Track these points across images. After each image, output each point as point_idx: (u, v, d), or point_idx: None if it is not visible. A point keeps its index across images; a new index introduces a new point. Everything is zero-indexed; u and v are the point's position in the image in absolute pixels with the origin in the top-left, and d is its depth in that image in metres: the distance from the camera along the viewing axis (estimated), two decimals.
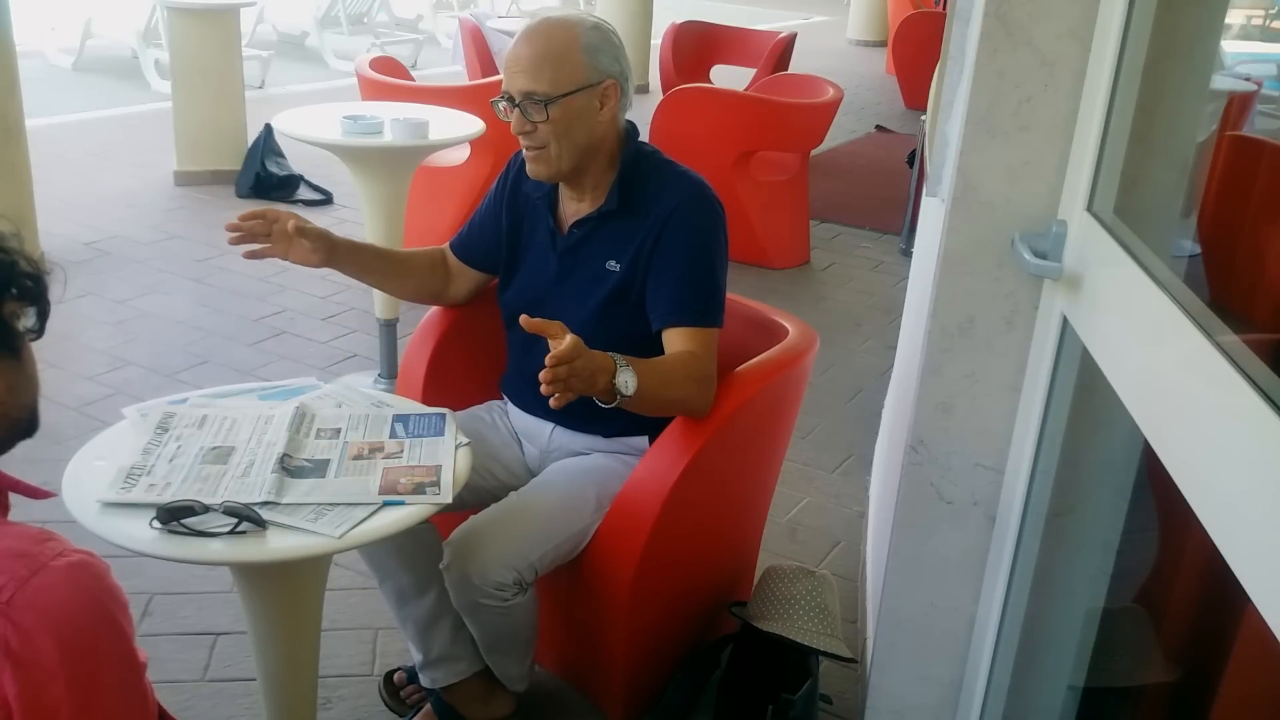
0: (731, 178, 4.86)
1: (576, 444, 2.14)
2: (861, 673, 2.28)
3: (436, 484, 1.69)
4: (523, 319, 1.69)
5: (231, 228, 1.96)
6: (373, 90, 4.56)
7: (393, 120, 3.37)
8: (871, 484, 3.13)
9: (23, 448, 1.18)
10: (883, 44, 11.90)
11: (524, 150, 1.98)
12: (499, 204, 2.16)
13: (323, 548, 1.56)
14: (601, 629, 2.16)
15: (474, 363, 2.33)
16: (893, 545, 1.88)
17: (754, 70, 6.97)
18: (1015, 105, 1.58)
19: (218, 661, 2.39)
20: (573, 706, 2.30)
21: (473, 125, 3.64)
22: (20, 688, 0.99)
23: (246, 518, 1.54)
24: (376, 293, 3.53)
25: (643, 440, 2.10)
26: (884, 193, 6.41)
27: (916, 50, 8.51)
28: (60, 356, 3.71)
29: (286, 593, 1.79)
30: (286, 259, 2.00)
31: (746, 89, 5.98)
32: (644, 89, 8.56)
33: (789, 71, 6.63)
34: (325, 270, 2.07)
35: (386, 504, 1.63)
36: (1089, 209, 1.49)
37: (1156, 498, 1.58)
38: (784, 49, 6.93)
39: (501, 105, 1.94)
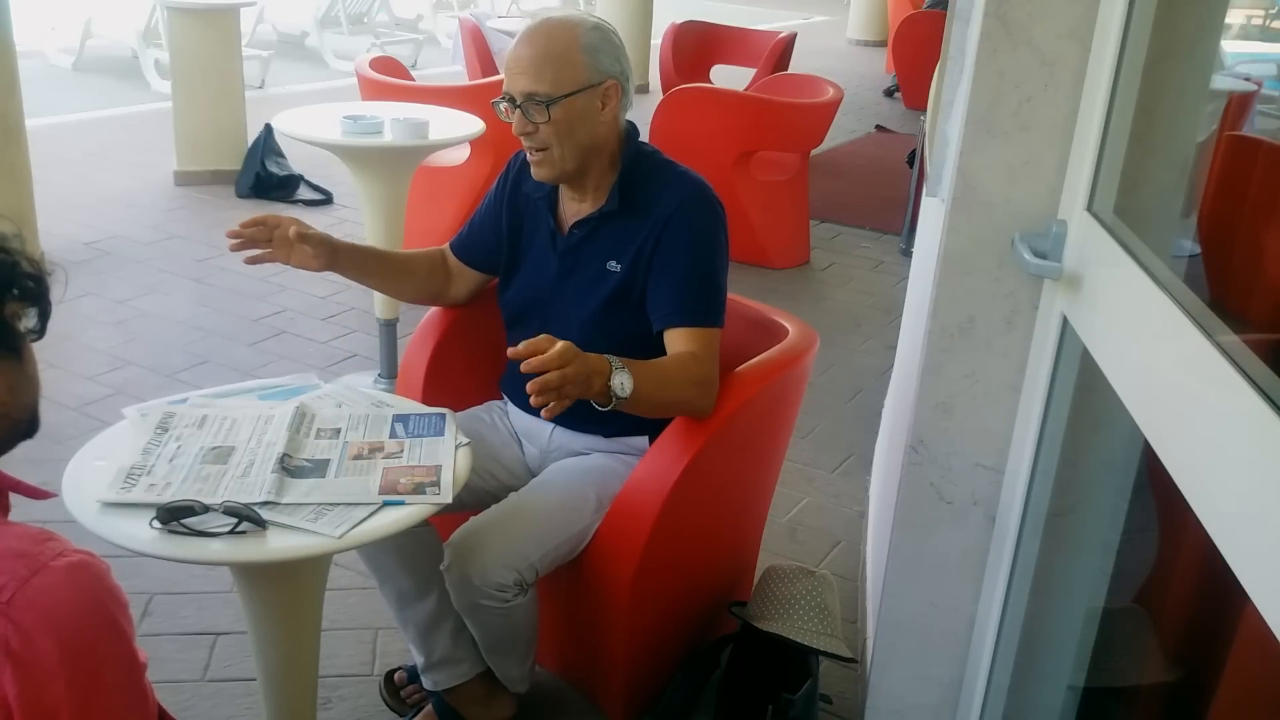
0: (731, 178, 4.86)
1: (576, 444, 2.14)
2: (861, 673, 2.28)
3: (436, 484, 1.69)
4: (510, 351, 1.68)
5: (232, 234, 1.96)
6: (373, 90, 4.55)
7: (393, 120, 3.37)
8: (871, 484, 3.13)
9: (23, 448, 1.18)
10: (883, 44, 11.90)
11: (527, 154, 1.97)
12: (499, 204, 2.16)
13: (323, 548, 1.56)
14: (601, 629, 2.16)
15: (474, 363, 2.33)
16: (893, 545, 1.88)
17: (754, 70, 6.97)
18: (1015, 105, 1.58)
19: (218, 661, 2.39)
20: (573, 706, 2.30)
21: (473, 125, 3.64)
22: (20, 688, 0.99)
23: (246, 518, 1.54)
24: (376, 293, 3.53)
25: (643, 440, 2.10)
26: (884, 193, 6.41)
27: (916, 50, 8.51)
28: (60, 356, 3.71)
29: (286, 593, 1.79)
30: (288, 264, 1.99)
31: (746, 89, 5.98)
32: (644, 89, 8.56)
33: (789, 71, 6.63)
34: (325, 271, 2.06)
35: (386, 504, 1.63)
36: (1089, 209, 1.49)
37: (1156, 498, 1.58)
38: (784, 49, 6.93)
39: (503, 106, 1.94)
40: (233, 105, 5.85)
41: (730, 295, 2.05)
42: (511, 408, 2.23)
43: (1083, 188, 1.50)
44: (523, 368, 1.62)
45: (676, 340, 1.95)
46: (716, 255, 2.00)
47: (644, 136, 2.09)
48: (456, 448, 1.79)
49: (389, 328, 3.63)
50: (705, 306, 1.97)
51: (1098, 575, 1.68)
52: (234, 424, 1.80)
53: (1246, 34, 1.90)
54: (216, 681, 2.33)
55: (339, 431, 1.82)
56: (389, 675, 2.29)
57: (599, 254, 2.02)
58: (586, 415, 1.97)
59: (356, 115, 3.41)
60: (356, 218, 5.22)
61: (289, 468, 1.68)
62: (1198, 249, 1.81)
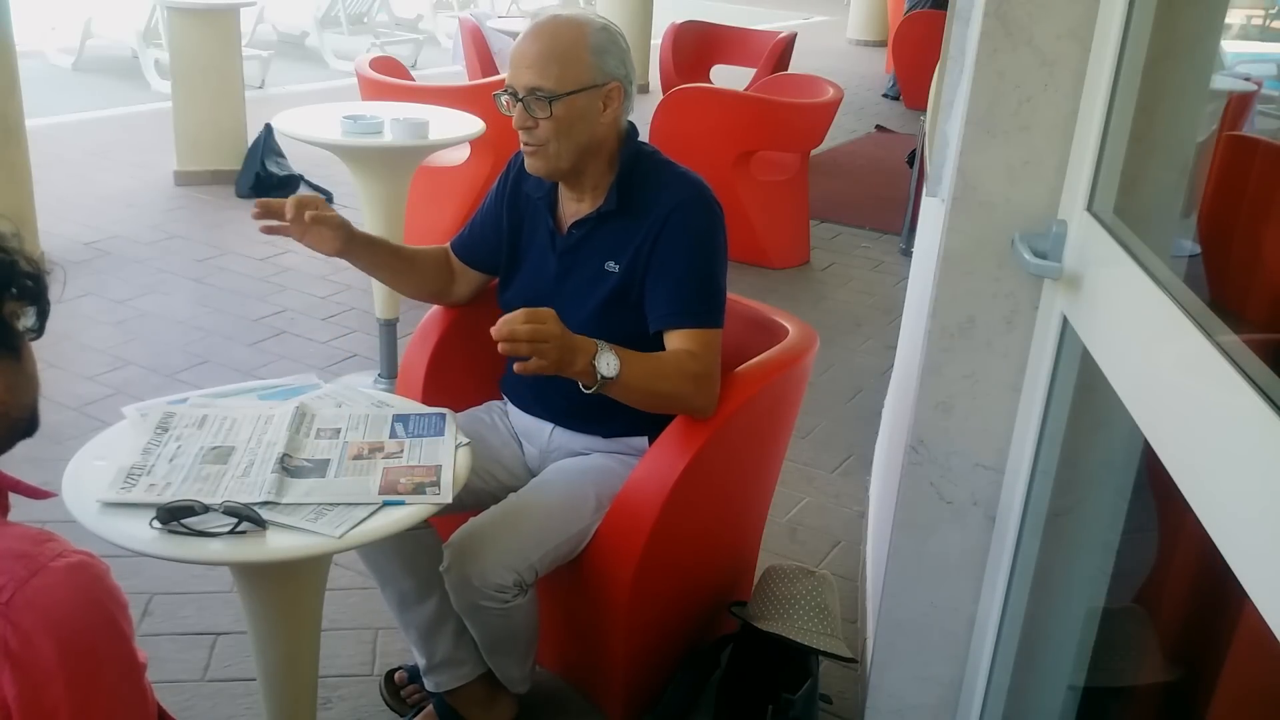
0: (731, 178, 4.86)
1: (576, 444, 2.14)
2: (861, 673, 2.28)
3: (436, 484, 1.68)
4: (500, 345, 1.68)
5: (261, 203, 1.97)
6: (373, 90, 4.55)
7: (393, 120, 3.37)
8: (871, 484, 3.13)
9: (23, 448, 1.18)
10: (883, 44, 11.90)
11: (523, 146, 1.97)
12: (499, 204, 2.16)
13: (323, 548, 1.56)
14: (601, 629, 2.16)
15: (474, 363, 2.32)
16: (893, 545, 1.88)
17: (754, 70, 6.97)
18: (1015, 105, 1.58)
19: (218, 661, 2.39)
20: (573, 706, 2.30)
21: (473, 125, 3.64)
22: (19, 688, 0.99)
23: (246, 518, 1.54)
24: (377, 293, 3.54)
25: (642, 440, 2.09)
26: (884, 193, 6.41)
27: (916, 50, 8.52)
28: (60, 356, 3.71)
29: (286, 593, 1.79)
30: (301, 241, 1.98)
31: (746, 89, 5.99)
32: (644, 89, 8.56)
33: (789, 71, 6.63)
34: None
35: (386, 504, 1.63)
36: (1089, 209, 1.49)
37: (1156, 498, 1.58)
38: (784, 49, 6.93)
39: (504, 99, 1.94)
40: (233, 105, 5.85)
41: (730, 295, 2.05)
42: (511, 408, 2.23)
43: (1083, 188, 1.50)
44: (491, 331, 1.64)
45: (675, 341, 1.95)
46: (715, 256, 1.99)
47: (644, 136, 2.09)
48: (456, 448, 1.79)
49: (389, 328, 3.63)
50: (704, 307, 1.96)
51: (1097, 575, 1.68)
52: (234, 424, 1.80)
53: (1246, 34, 1.90)
54: (216, 681, 2.33)
55: (339, 431, 1.82)
56: (389, 675, 2.29)
57: (597, 254, 2.02)
58: (586, 415, 1.98)
59: (356, 115, 3.41)
60: (356, 218, 5.16)
61: (289, 468, 1.68)
62: (1198, 249, 1.81)
